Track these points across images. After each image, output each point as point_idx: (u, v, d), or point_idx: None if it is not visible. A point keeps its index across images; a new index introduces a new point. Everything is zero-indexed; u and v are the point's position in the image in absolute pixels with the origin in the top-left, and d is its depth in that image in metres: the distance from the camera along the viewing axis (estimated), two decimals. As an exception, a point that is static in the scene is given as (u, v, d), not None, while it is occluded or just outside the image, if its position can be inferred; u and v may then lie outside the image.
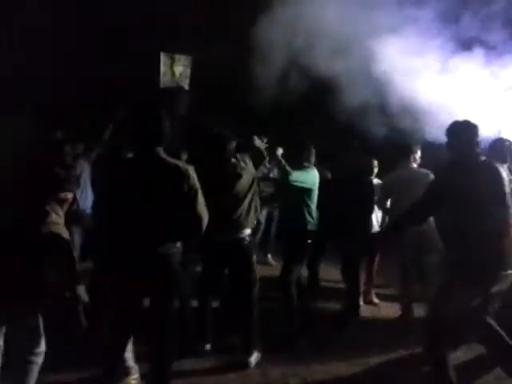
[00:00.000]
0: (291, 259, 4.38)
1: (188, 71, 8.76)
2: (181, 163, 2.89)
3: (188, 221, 2.81)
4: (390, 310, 5.10)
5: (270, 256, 6.60)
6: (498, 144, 4.03)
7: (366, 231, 4.99)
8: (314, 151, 4.50)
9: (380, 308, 5.29)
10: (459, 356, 3.52)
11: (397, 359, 3.90)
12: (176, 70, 8.62)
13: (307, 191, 4.33)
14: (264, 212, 6.65)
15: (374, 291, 5.45)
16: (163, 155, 2.82)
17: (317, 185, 4.41)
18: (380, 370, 3.83)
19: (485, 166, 3.14)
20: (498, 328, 3.29)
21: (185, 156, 4.30)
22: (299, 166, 4.35)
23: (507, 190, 3.09)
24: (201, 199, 2.82)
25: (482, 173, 3.11)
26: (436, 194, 3.18)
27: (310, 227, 4.34)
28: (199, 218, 2.80)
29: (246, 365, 3.69)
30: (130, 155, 3.02)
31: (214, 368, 3.69)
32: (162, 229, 2.75)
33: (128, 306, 2.82)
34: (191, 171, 2.81)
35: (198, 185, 2.81)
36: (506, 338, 3.27)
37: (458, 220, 3.03)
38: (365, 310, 5.04)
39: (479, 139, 3.17)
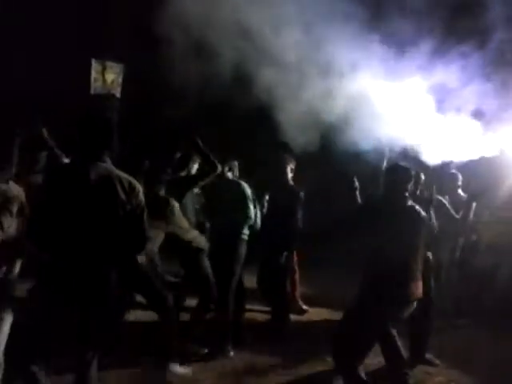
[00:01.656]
0: (228, 268, 4.35)
1: (120, 79, 8.63)
2: (131, 177, 2.69)
3: (132, 239, 2.67)
4: (317, 316, 5.27)
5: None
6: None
7: (287, 243, 5.03)
8: (236, 164, 4.62)
9: (309, 315, 5.42)
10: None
11: (325, 369, 3.91)
12: (107, 77, 8.47)
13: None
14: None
15: (300, 299, 5.57)
16: (112, 166, 2.64)
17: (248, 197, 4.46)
18: (310, 380, 3.88)
19: (409, 211, 3.28)
20: (395, 339, 3.47)
21: None
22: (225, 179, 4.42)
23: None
24: (145, 217, 2.68)
25: (406, 217, 3.25)
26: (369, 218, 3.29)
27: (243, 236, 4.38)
28: (144, 237, 2.71)
29: None
30: (73, 164, 2.81)
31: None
32: (104, 245, 2.57)
33: (60, 323, 2.60)
34: (140, 187, 2.68)
35: (143, 202, 2.68)
36: (401, 350, 3.48)
37: (383, 251, 3.15)
38: (293, 318, 5.10)
39: (409, 184, 3.27)
